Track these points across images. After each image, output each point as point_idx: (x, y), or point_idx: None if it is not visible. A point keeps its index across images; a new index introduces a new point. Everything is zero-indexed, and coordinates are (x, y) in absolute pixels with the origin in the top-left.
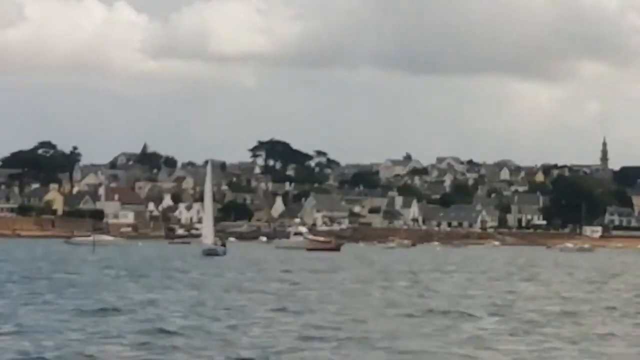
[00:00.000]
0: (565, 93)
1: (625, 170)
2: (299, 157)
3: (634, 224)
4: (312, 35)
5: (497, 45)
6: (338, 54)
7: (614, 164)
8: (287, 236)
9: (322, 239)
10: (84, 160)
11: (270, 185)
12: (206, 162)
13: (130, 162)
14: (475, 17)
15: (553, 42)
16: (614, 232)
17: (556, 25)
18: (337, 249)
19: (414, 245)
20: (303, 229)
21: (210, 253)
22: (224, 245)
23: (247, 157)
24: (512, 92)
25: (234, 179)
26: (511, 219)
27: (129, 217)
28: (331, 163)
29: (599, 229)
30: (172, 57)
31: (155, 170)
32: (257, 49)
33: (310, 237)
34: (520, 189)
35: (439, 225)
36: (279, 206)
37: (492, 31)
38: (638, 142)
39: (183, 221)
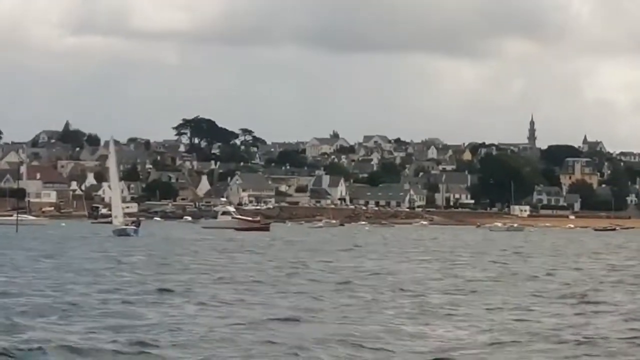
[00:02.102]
0: (491, 71)
1: (552, 149)
2: (225, 136)
3: (562, 202)
4: (235, 12)
5: (422, 23)
6: (262, 31)
7: (542, 143)
8: (215, 216)
9: (250, 218)
10: (5, 139)
11: (195, 164)
12: (130, 140)
13: (52, 140)
14: None
15: (477, 20)
16: (542, 211)
17: (480, 3)
18: (266, 228)
19: (342, 224)
20: (231, 209)
21: (121, 233)
22: (138, 225)
23: (171, 136)
24: (438, 70)
25: (159, 158)
26: (439, 198)
27: (51, 196)
28: (257, 141)
29: (527, 208)
30: (92, 33)
31: (77, 149)
32: (179, 26)
33: (239, 216)
34: (448, 167)
35: (366, 204)
36: (204, 185)
37: (417, 9)
38: (565, 121)
39: (107, 200)
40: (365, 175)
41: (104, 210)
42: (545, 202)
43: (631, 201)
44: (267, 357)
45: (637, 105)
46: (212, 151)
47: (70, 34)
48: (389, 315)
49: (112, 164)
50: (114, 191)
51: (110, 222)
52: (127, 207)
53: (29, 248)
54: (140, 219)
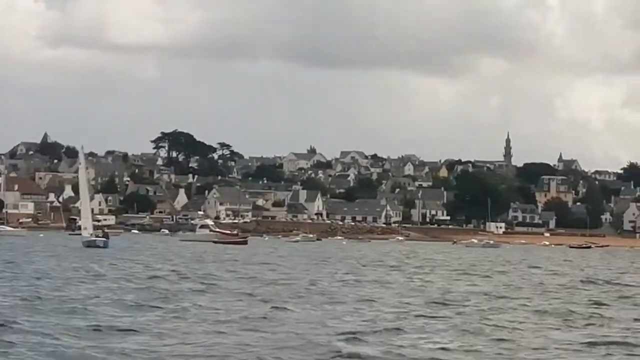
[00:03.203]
0: (468, 89)
1: (528, 167)
2: (203, 149)
3: (537, 220)
4: (213, 26)
5: (399, 40)
6: (241, 46)
7: (518, 161)
8: (192, 229)
9: (228, 231)
10: None
11: (173, 177)
12: (108, 153)
13: (31, 152)
14: (376, 12)
15: (453, 38)
16: (517, 229)
17: (456, 21)
18: (244, 242)
19: (319, 239)
20: (209, 222)
21: (90, 245)
22: (106, 237)
23: (149, 149)
24: (415, 88)
25: (137, 171)
26: (415, 214)
27: (29, 207)
28: (235, 155)
29: (503, 225)
30: (70, 45)
31: (55, 161)
32: (158, 40)
33: (217, 230)
34: (425, 184)
35: (343, 219)
36: (182, 198)
37: (395, 26)
38: (540, 139)
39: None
40: (342, 190)
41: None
42: (520, 219)
43: (605, 219)
44: None
45: (610, 125)
46: (190, 165)
47: (48, 47)
48: None
49: (82, 174)
50: (83, 203)
51: None
52: (105, 219)
53: None
54: (105, 230)
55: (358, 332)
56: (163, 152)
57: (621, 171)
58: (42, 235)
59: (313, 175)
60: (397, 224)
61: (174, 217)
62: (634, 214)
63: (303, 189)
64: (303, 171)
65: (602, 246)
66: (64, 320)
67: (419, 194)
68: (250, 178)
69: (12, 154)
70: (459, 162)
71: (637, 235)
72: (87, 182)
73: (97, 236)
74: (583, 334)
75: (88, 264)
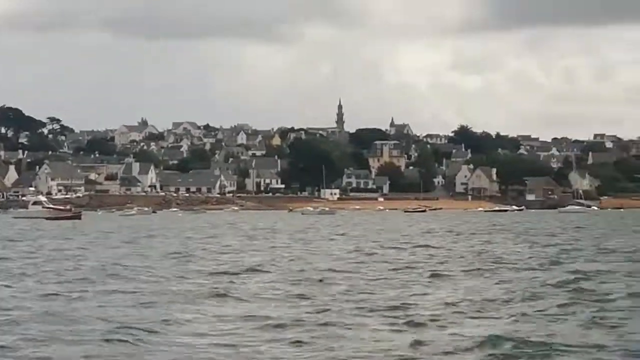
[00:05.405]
0: (297, 56)
1: (360, 132)
2: (32, 124)
3: (370, 185)
4: None
5: (228, 9)
6: (69, 17)
7: (350, 127)
8: (25, 205)
9: (61, 207)
10: None
11: (2, 153)
12: None
13: None
14: None
15: (281, 5)
16: (352, 194)
17: None
18: (78, 217)
19: (154, 212)
20: (42, 198)
21: None
22: None
23: None
24: (245, 56)
25: None
26: (250, 183)
27: None
28: (65, 130)
29: (337, 191)
30: None
31: None
32: None
33: (50, 206)
34: (258, 153)
35: (177, 191)
36: (12, 175)
37: None
38: (372, 105)
39: None
40: (176, 162)
41: None
42: (354, 185)
43: (438, 182)
44: None
45: (439, 89)
46: (20, 140)
47: None
48: None
49: None
50: None
51: None
52: None
53: None
54: None
55: None
56: None
57: (452, 134)
58: None
59: (145, 147)
60: (231, 194)
61: (4, 194)
62: (465, 176)
63: (136, 161)
64: (135, 143)
65: (435, 209)
66: None
67: (253, 163)
68: (81, 152)
69: None
70: (292, 129)
71: (469, 197)
72: None
73: None
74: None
75: None
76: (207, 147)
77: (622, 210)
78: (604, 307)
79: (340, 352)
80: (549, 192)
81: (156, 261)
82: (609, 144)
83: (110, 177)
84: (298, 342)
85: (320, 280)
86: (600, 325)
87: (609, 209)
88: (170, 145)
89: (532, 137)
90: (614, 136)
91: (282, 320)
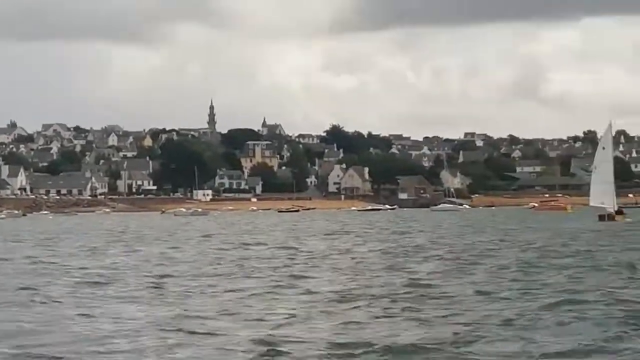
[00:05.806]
0: (169, 57)
1: (233, 133)
2: None
3: (243, 186)
4: None
5: (97, 8)
6: None
7: (222, 127)
8: None
9: None
10: None
11: None
12: None
13: None
14: None
15: (150, 5)
16: (225, 195)
17: None
18: None
19: (24, 215)
20: None
21: None
22: None
23: None
24: (116, 57)
25: None
26: (121, 185)
27: None
28: None
29: (210, 192)
30: None
31: None
32: None
33: None
34: (129, 154)
35: (47, 193)
36: None
37: None
38: (243, 105)
39: None
40: (46, 164)
41: None
42: (227, 185)
43: (311, 182)
44: None
45: (309, 90)
46: None
47: None
48: None
49: None
50: None
51: None
52: None
53: None
54: None
55: None
56: None
57: (324, 134)
58: None
59: (14, 149)
60: (103, 196)
61: None
62: (338, 176)
63: (5, 164)
64: (4, 146)
65: (308, 209)
66: None
67: (124, 165)
68: None
69: None
70: (164, 131)
71: (342, 196)
72: None
73: None
74: None
75: None
76: (78, 148)
77: (493, 208)
78: None
79: None
80: (421, 191)
81: None
82: (479, 143)
83: None
84: None
85: None
86: None
87: (481, 207)
88: (40, 147)
89: (404, 136)
90: (484, 135)
91: None
